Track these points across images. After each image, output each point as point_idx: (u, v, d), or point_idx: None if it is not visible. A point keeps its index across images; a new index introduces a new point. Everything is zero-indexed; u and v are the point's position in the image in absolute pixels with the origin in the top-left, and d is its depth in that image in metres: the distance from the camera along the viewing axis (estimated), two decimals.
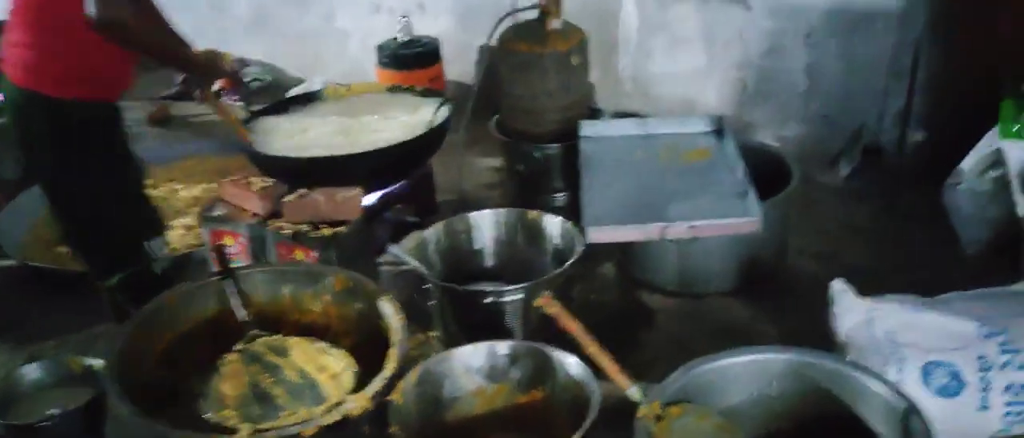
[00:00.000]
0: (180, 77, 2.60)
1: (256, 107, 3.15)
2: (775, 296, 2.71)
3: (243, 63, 4.97)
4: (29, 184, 2.94)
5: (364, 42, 4.47)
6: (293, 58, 4.92)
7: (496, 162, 3.64)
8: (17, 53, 2.25)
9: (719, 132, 3.00)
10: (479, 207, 3.35)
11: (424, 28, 4.21)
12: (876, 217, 3.17)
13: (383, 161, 2.66)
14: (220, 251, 2.23)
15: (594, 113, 3.49)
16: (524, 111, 3.22)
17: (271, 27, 4.91)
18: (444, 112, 2.79)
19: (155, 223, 2.53)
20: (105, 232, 2.39)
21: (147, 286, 2.33)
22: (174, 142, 4.28)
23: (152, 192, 3.48)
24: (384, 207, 2.86)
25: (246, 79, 4.79)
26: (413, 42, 4.04)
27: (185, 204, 3.38)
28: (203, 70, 2.49)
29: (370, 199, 2.78)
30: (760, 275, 2.74)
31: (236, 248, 2.70)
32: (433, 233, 2.52)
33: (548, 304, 1.89)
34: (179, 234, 3.14)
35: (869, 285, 2.13)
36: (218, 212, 2.72)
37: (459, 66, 4.19)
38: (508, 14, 3.19)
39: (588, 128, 3.07)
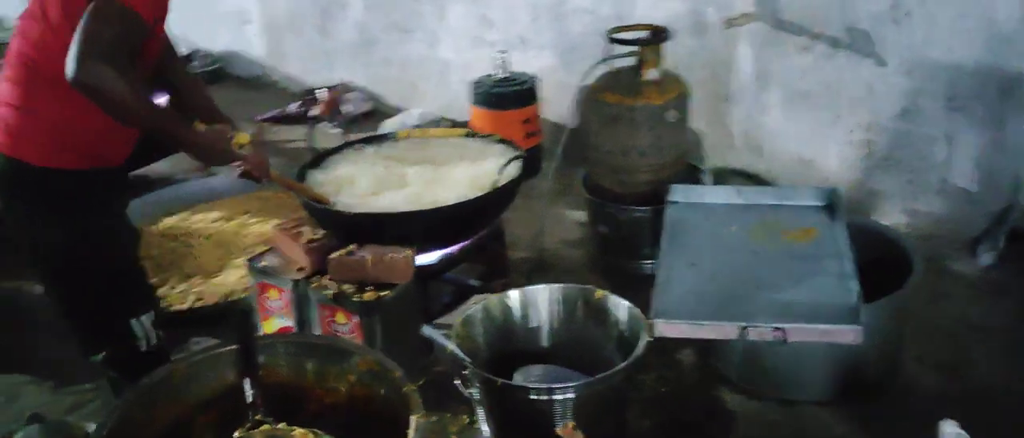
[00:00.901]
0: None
1: (325, 147, 2.97)
2: (883, 412, 2.29)
3: (346, 88, 4.89)
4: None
5: (464, 74, 4.25)
6: (394, 86, 4.79)
7: (585, 216, 3.35)
8: (1, 113, 2.10)
9: (831, 208, 2.60)
10: (559, 268, 3.14)
11: (524, 64, 3.96)
12: (1020, 320, 2.69)
13: (439, 221, 2.42)
14: (243, 318, 2.05)
15: (693, 171, 3.15)
16: (611, 168, 2.92)
17: (375, 53, 4.79)
18: (512, 171, 2.52)
19: (145, 298, 2.33)
20: (90, 307, 2.22)
21: (135, 363, 2.17)
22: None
23: (217, 227, 3.41)
24: (444, 268, 2.62)
25: (345, 105, 4.70)
26: (510, 79, 3.80)
27: (253, 241, 3.24)
28: (201, 153, 2.17)
29: (428, 258, 2.54)
30: (866, 385, 2.33)
31: (280, 303, 2.53)
32: (480, 310, 2.25)
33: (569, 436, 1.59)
34: (239, 276, 2.99)
35: (1006, 414, 1.69)
36: (265, 263, 2.56)
37: (559, 106, 3.92)
38: (603, 60, 2.90)
39: (679, 193, 2.73)
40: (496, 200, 2.49)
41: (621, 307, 2.23)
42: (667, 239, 2.50)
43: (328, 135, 4.60)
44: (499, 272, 2.83)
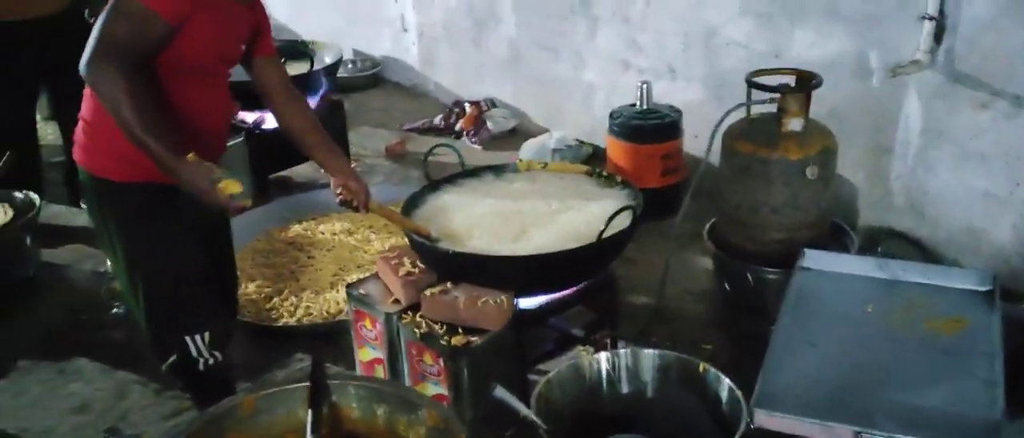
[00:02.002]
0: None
1: (444, 174, 2.89)
2: None
3: (491, 104, 4.83)
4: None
5: (608, 100, 4.11)
6: (538, 105, 4.69)
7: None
8: (78, 129, 2.16)
9: (989, 296, 2.27)
10: (678, 321, 2.93)
11: (670, 95, 3.76)
12: None
13: (538, 268, 2.28)
14: (316, 365, 1.97)
15: (838, 233, 2.86)
16: (740, 222, 2.69)
17: (523, 70, 4.71)
18: (623, 222, 2.34)
19: (203, 318, 2.29)
20: (150, 318, 2.24)
21: (197, 379, 2.22)
22: (400, 181, 4.20)
23: (339, 240, 3.41)
24: (548, 313, 2.48)
25: (487, 122, 4.64)
26: (651, 111, 3.60)
27: (368, 260, 3.22)
28: (183, 185, 1.96)
29: (530, 303, 2.41)
30: None
31: (374, 334, 2.47)
32: (569, 369, 2.10)
33: None
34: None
35: None
36: (364, 290, 2.50)
37: (704, 143, 3.69)
38: (740, 105, 2.67)
39: (812, 258, 2.46)
40: (600, 252, 2.33)
41: (723, 384, 2.02)
42: (789, 310, 2.26)
43: (469, 149, 4.56)
44: (608, 321, 2.66)
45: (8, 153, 3.52)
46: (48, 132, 4.40)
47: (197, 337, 2.23)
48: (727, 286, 2.77)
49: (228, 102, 2.33)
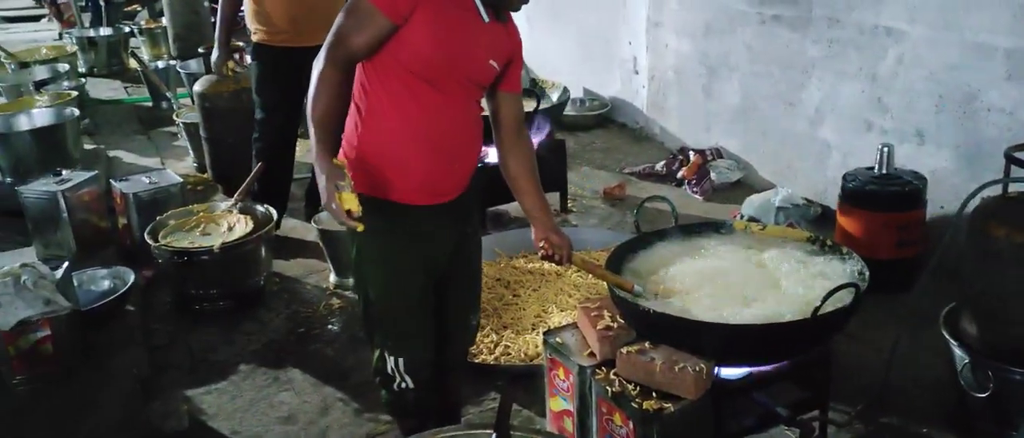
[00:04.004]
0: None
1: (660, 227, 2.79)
2: None
3: (717, 154, 4.68)
4: None
5: (844, 161, 3.84)
6: (767, 159, 4.46)
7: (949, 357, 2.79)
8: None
9: None
10: (901, 413, 2.65)
11: (915, 161, 3.45)
12: None
13: (742, 339, 2.13)
14: (504, 411, 1.93)
15: None
16: (985, 312, 2.39)
17: (754, 121, 4.51)
18: (844, 298, 2.13)
19: (400, 342, 2.28)
20: (369, 324, 2.36)
21: (395, 396, 2.30)
22: (615, 226, 4.14)
23: (546, 282, 3.38)
24: (750, 386, 2.31)
25: (711, 173, 4.49)
26: (892, 177, 3.31)
27: (573, 305, 3.17)
28: (317, 177, 1.98)
29: (732, 372, 2.26)
30: None
31: (566, 384, 2.41)
32: None
33: None
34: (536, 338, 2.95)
35: None
36: (560, 339, 2.45)
37: (950, 217, 3.35)
38: (995, 182, 2.38)
39: None
40: (814, 330, 2.13)
41: None
42: None
43: (689, 198, 4.43)
44: (818, 402, 2.44)
45: (260, 165, 3.83)
46: (302, 150, 4.65)
47: (393, 358, 2.26)
48: (963, 381, 2.46)
49: (471, 124, 2.22)
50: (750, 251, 2.55)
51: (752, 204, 4.00)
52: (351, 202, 1.93)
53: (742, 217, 3.94)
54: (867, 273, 2.27)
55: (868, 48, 3.72)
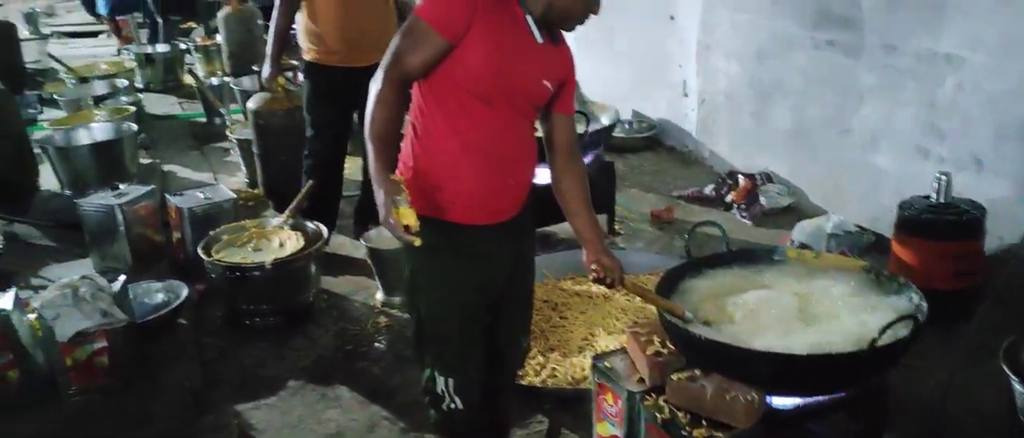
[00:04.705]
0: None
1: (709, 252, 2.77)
2: None
3: (767, 178, 4.63)
4: None
5: (899, 189, 3.76)
6: (819, 185, 4.41)
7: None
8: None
9: None
10: None
11: (974, 190, 3.37)
12: None
13: (795, 369, 2.09)
14: (552, 431, 1.93)
15: None
16: None
17: (805, 146, 4.46)
18: (899, 332, 2.09)
19: (451, 362, 2.28)
20: (420, 341, 2.35)
21: (443, 416, 2.29)
22: (662, 249, 4.11)
23: (593, 304, 3.35)
24: (803, 417, 2.27)
25: (761, 197, 4.44)
26: (949, 206, 3.24)
27: (621, 329, 3.15)
28: (375, 192, 1.99)
29: (784, 403, 2.22)
30: None
31: (614, 410, 2.39)
32: None
33: None
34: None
35: None
36: (609, 364, 2.43)
37: (1010, 247, 3.27)
38: None
39: None
40: (870, 362, 2.09)
41: None
42: None
43: (738, 223, 4.38)
44: (873, 435, 2.39)
45: (311, 183, 3.88)
46: (351, 167, 4.68)
47: (443, 379, 2.26)
48: (1022, 416, 2.40)
49: (526, 143, 2.23)
50: (803, 279, 2.51)
51: (803, 230, 3.95)
52: (408, 217, 1.94)
53: (793, 243, 3.89)
54: (925, 305, 2.22)
55: (926, 75, 3.67)
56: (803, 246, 3.79)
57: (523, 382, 2.90)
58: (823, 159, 4.35)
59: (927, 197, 3.32)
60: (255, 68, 5.64)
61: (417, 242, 1.95)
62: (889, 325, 2.04)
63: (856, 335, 2.17)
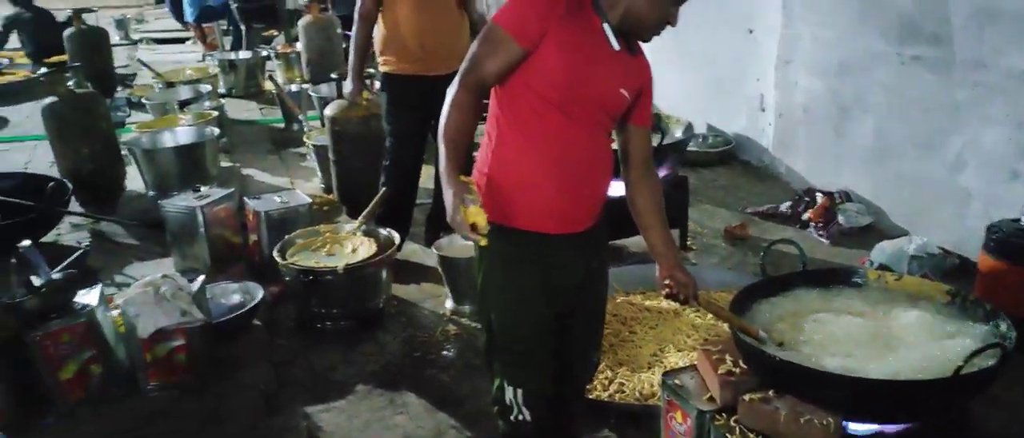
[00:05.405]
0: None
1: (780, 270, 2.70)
2: None
3: (846, 196, 4.51)
4: None
5: (986, 211, 3.63)
6: (900, 204, 4.28)
7: None
8: None
9: None
10: None
11: None
12: None
13: (872, 395, 2.02)
14: None
15: None
16: None
17: (888, 165, 4.33)
18: (985, 361, 2.01)
19: (519, 372, 2.28)
20: (490, 350, 2.34)
21: (511, 426, 2.29)
22: (735, 266, 4.04)
23: (663, 319, 3.31)
24: None
25: (839, 216, 4.33)
26: None
27: (691, 345, 3.10)
28: (444, 192, 2.00)
29: (860, 429, 2.16)
30: None
31: (683, 428, 2.35)
32: None
33: None
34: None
35: None
36: (679, 381, 2.40)
37: None
38: None
39: None
40: (953, 390, 2.01)
41: None
42: None
43: (814, 242, 4.28)
44: None
45: (385, 190, 3.92)
46: (423, 175, 4.74)
47: (512, 389, 2.25)
48: None
49: (601, 154, 2.21)
50: (883, 302, 2.44)
51: (883, 251, 3.83)
52: (476, 216, 1.95)
53: (872, 264, 3.79)
54: (1014, 334, 2.13)
55: (1016, 93, 3.53)
56: (883, 267, 3.68)
57: (590, 395, 2.88)
58: (906, 178, 4.22)
59: (1017, 220, 3.19)
60: (333, 75, 5.74)
61: (483, 242, 1.97)
62: (975, 353, 1.96)
63: (938, 362, 2.10)
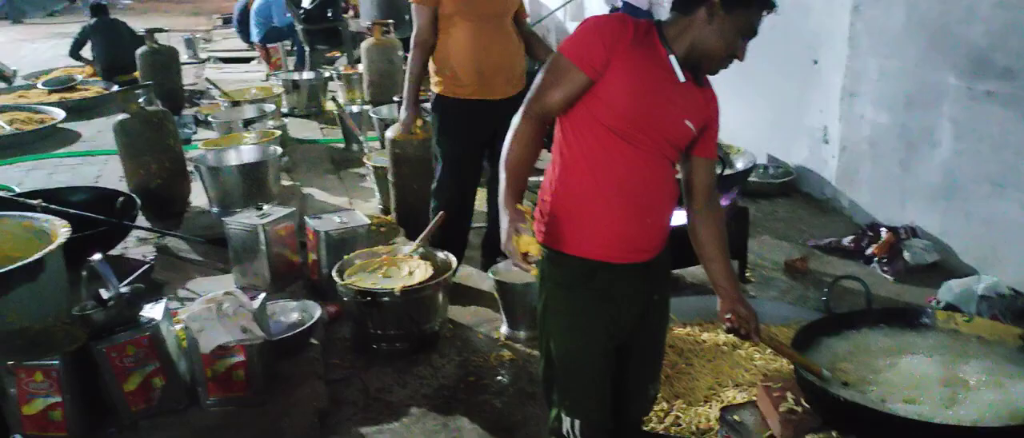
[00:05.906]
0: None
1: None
2: None
3: (912, 232, 4.41)
4: None
5: None
6: (969, 243, 4.16)
7: None
8: None
9: None
10: None
11: None
12: None
13: None
14: None
15: None
16: None
17: (956, 202, 4.22)
18: None
19: (576, 404, 2.27)
20: (548, 378, 2.35)
21: None
22: (796, 300, 3.96)
23: (722, 352, 3.26)
24: None
25: (904, 252, 4.23)
26: None
27: (749, 380, 3.04)
28: (501, 218, 2.07)
29: None
30: None
31: None
32: None
33: None
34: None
35: None
36: (738, 417, 2.36)
37: None
38: None
39: None
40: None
41: None
42: None
43: (878, 278, 4.18)
44: None
45: (442, 214, 3.93)
46: (479, 199, 4.69)
47: (570, 420, 2.23)
48: None
49: (665, 184, 2.19)
50: (952, 344, 2.38)
51: (951, 290, 3.73)
52: (529, 245, 2.00)
53: (939, 303, 3.69)
54: None
55: None
56: (950, 307, 3.58)
57: (645, 427, 2.84)
58: (975, 215, 4.11)
59: None
60: (395, 98, 5.79)
61: (534, 271, 2.04)
62: None
63: (1008, 409, 2.04)
